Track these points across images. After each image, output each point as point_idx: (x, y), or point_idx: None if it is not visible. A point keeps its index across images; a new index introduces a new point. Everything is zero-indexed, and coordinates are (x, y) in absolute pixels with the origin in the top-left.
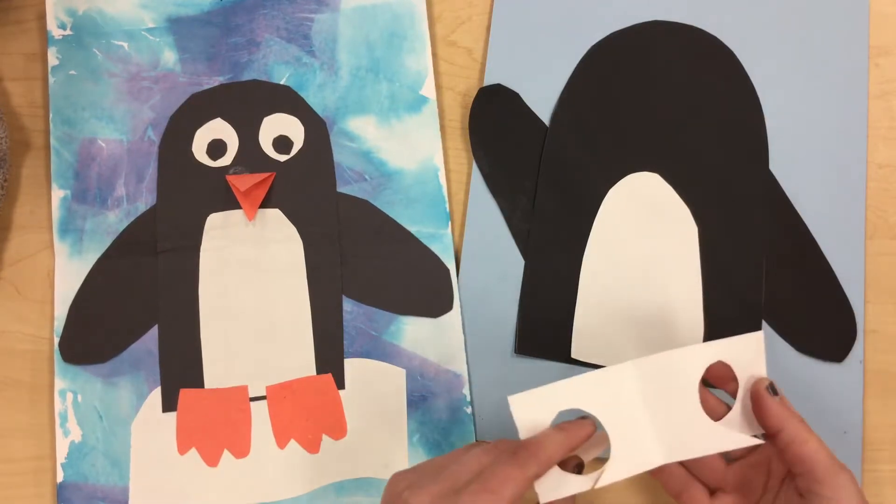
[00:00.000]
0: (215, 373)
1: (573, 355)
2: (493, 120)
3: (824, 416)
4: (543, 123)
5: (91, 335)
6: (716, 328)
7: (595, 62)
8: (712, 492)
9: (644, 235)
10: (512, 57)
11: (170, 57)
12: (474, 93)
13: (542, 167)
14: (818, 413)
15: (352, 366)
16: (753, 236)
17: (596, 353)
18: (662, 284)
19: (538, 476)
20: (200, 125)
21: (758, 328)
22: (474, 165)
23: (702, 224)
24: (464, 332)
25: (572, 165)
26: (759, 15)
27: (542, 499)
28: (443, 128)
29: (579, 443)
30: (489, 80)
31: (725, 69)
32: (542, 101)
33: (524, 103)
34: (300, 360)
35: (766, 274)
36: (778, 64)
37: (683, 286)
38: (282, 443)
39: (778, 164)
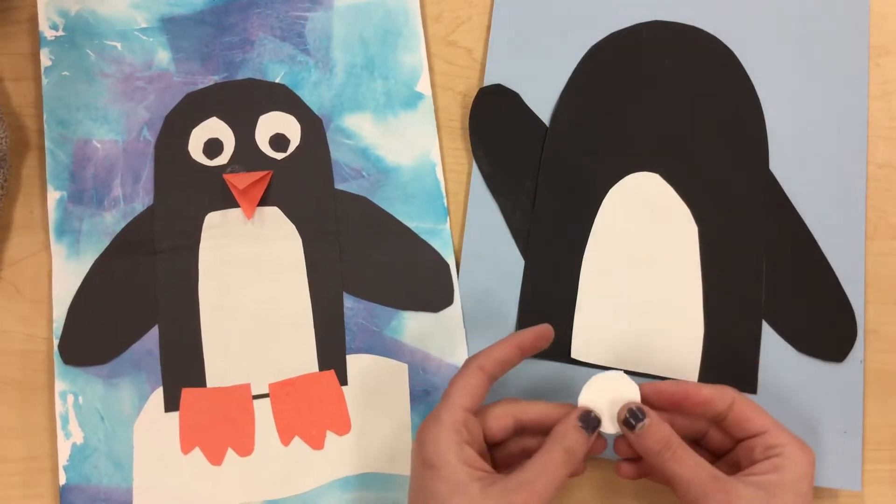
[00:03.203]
0: (217, 371)
1: (573, 355)
2: (493, 120)
3: (824, 416)
4: (543, 123)
5: (91, 336)
6: (716, 328)
7: (595, 62)
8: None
9: (644, 235)
10: (512, 57)
11: (163, 57)
12: (474, 93)
13: (542, 167)
14: (818, 413)
15: (354, 362)
16: (753, 236)
17: (596, 353)
18: (662, 284)
19: (488, 372)
20: (196, 124)
21: (758, 328)
22: (474, 165)
23: (702, 224)
24: (465, 333)
25: (572, 165)
26: (759, 15)
27: None
28: (442, 128)
29: (525, 342)
30: (489, 80)
31: (725, 69)
32: (542, 101)
33: (524, 103)
34: (302, 357)
35: (766, 274)
36: (778, 64)
37: (683, 286)
38: (286, 440)
39: (778, 164)
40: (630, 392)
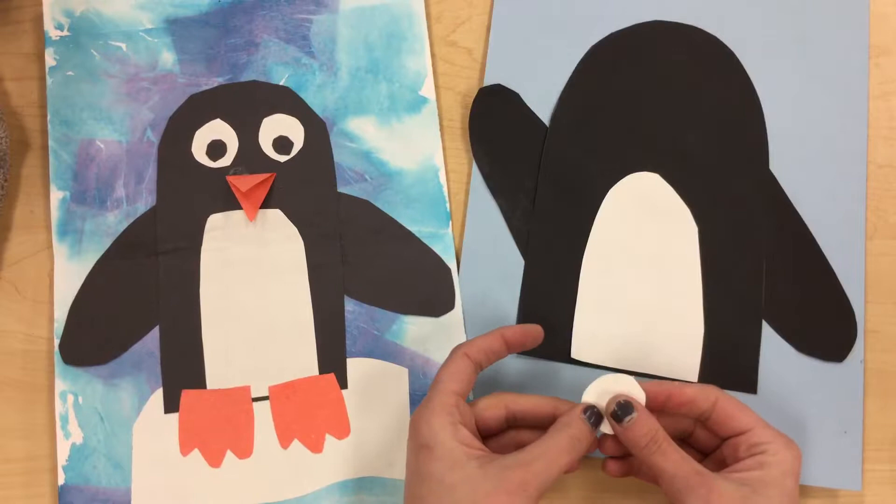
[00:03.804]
0: (217, 373)
1: (573, 355)
2: (493, 120)
3: (824, 416)
4: (543, 123)
5: (91, 337)
6: (716, 328)
7: (595, 62)
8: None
9: (644, 235)
10: (512, 57)
11: (168, 58)
12: (474, 93)
13: (542, 167)
14: (818, 413)
15: (354, 365)
16: (753, 236)
17: (596, 353)
18: (662, 285)
19: (473, 359)
20: (200, 126)
21: (758, 328)
22: (474, 165)
23: (702, 224)
24: (465, 333)
25: (572, 165)
26: (759, 15)
27: None
28: (443, 128)
29: (512, 336)
30: (489, 80)
31: (725, 69)
32: (542, 101)
33: (524, 103)
34: (302, 359)
35: (766, 274)
36: (778, 64)
37: (683, 286)
38: (285, 443)
39: (778, 164)
40: (634, 395)
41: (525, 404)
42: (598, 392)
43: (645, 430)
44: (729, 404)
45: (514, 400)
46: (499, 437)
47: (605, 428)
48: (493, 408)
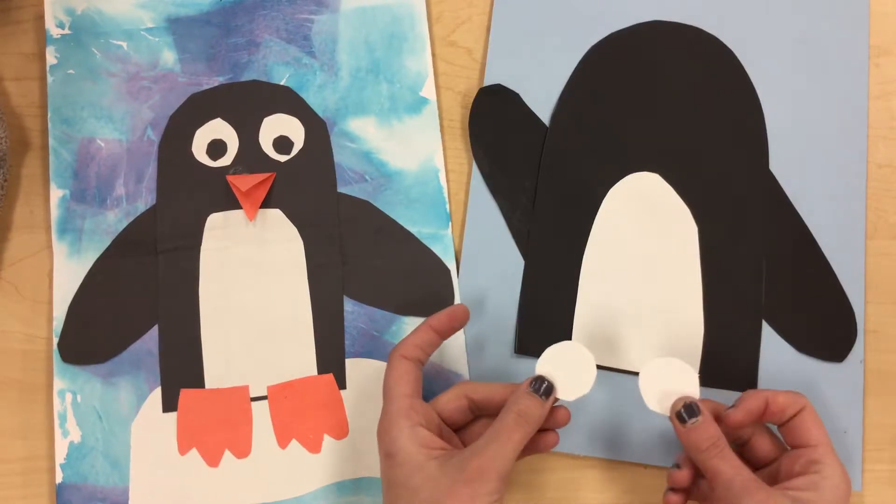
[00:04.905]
0: (216, 373)
1: None
2: (493, 120)
3: (824, 416)
4: (543, 123)
5: (90, 335)
6: (716, 328)
7: (595, 62)
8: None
9: (644, 235)
10: (512, 57)
11: (169, 57)
12: (474, 93)
13: (542, 167)
14: (818, 413)
15: (353, 366)
16: (753, 236)
17: (596, 354)
18: (662, 284)
19: (410, 358)
20: (200, 125)
21: (758, 328)
22: (474, 165)
23: (702, 224)
24: (464, 333)
25: (572, 165)
26: (759, 15)
27: None
28: (443, 128)
29: (439, 324)
30: (489, 80)
31: (725, 69)
32: (542, 101)
33: (524, 103)
34: (301, 359)
35: (766, 274)
36: (778, 64)
37: (683, 286)
38: (283, 443)
39: (778, 164)
40: (586, 363)
41: (483, 391)
42: (550, 363)
43: (709, 433)
44: (810, 416)
45: (473, 389)
46: (468, 427)
47: (566, 396)
48: (454, 400)
